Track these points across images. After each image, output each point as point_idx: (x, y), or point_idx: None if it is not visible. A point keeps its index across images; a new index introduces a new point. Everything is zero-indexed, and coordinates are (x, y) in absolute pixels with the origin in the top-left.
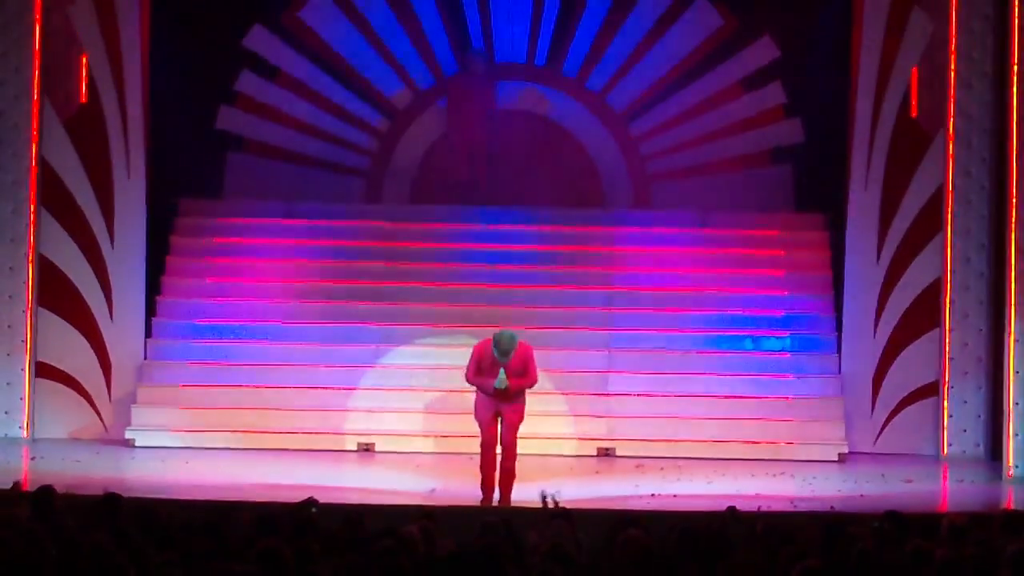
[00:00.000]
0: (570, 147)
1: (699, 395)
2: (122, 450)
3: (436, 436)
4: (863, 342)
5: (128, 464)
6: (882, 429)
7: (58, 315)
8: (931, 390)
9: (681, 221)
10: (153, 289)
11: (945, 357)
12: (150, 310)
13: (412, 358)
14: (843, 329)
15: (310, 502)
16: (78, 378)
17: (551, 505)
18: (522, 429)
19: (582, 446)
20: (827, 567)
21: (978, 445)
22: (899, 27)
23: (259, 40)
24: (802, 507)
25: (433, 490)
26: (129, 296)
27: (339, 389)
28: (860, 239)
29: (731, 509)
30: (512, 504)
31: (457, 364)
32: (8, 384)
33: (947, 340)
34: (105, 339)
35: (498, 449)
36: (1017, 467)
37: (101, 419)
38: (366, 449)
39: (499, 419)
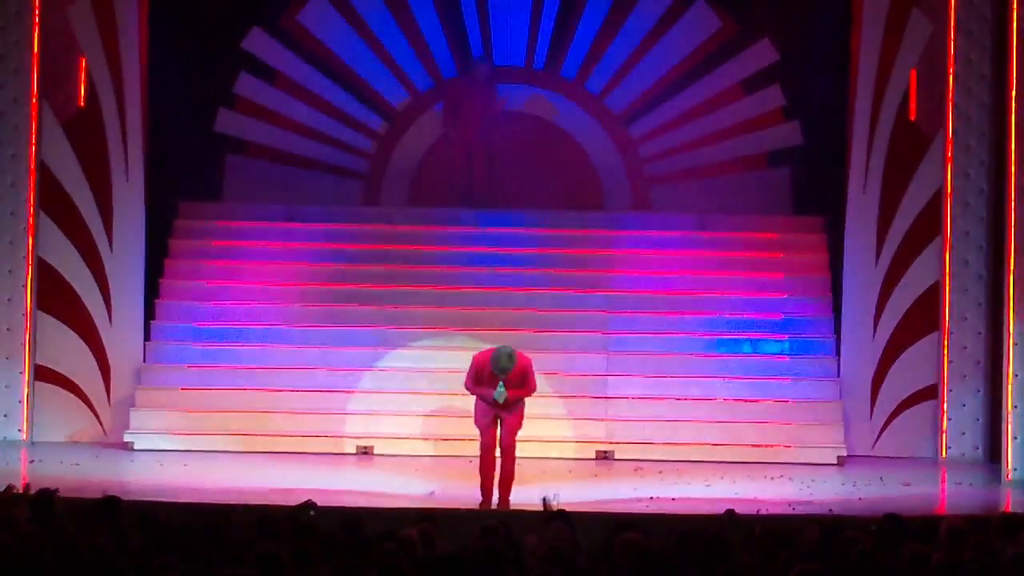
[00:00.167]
0: (569, 149)
1: (698, 398)
2: (121, 453)
3: (435, 439)
4: (862, 345)
5: (127, 467)
6: (881, 432)
7: (57, 318)
8: (930, 393)
9: (680, 224)
10: (152, 292)
11: (944, 360)
12: (149, 313)
13: (411, 361)
14: (842, 332)
15: (309, 505)
16: (77, 381)
17: (554, 507)
18: (521, 432)
19: (581, 449)
20: (825, 570)
21: (977, 448)
22: (898, 29)
23: (258, 43)
24: (801, 510)
25: (432, 493)
26: (128, 299)
27: (338, 392)
28: (859, 242)
29: (730, 512)
30: (511, 507)
31: (456, 367)
32: (7, 387)
33: (946, 343)
34: (104, 342)
35: (497, 452)
36: (1016, 470)
37: (100, 422)
38: (365, 452)
39: (498, 422)
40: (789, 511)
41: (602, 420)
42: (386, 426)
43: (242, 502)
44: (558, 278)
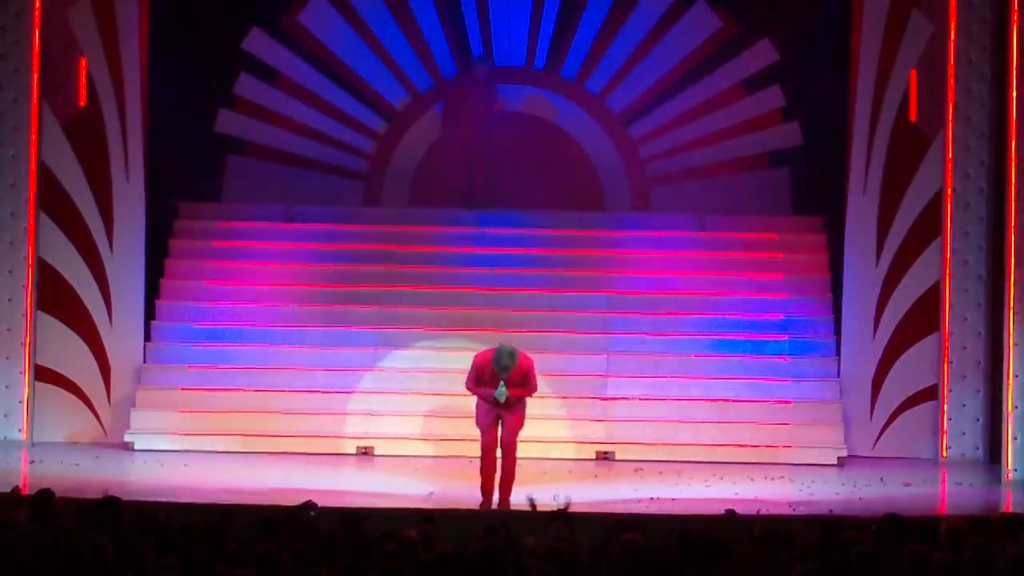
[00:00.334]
0: (569, 150)
1: (698, 399)
2: (121, 453)
3: (435, 439)
4: (862, 345)
5: (127, 467)
6: (881, 432)
7: (57, 318)
8: (930, 393)
9: (680, 224)
10: (152, 292)
11: (944, 360)
12: (149, 313)
13: (411, 361)
14: (842, 332)
15: (309, 505)
16: (77, 381)
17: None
18: (521, 432)
19: (581, 450)
20: (825, 570)
21: (977, 448)
22: (898, 30)
23: (258, 43)
24: (801, 510)
25: (432, 493)
26: (128, 299)
27: (338, 392)
28: (859, 242)
29: (730, 513)
30: (511, 508)
31: (456, 367)
32: (7, 387)
33: (946, 343)
34: (104, 342)
35: (498, 452)
36: (1016, 470)
37: (100, 422)
38: (365, 452)
39: (500, 423)
40: (789, 511)
41: (602, 420)
42: (386, 426)
43: (242, 502)
44: (558, 278)
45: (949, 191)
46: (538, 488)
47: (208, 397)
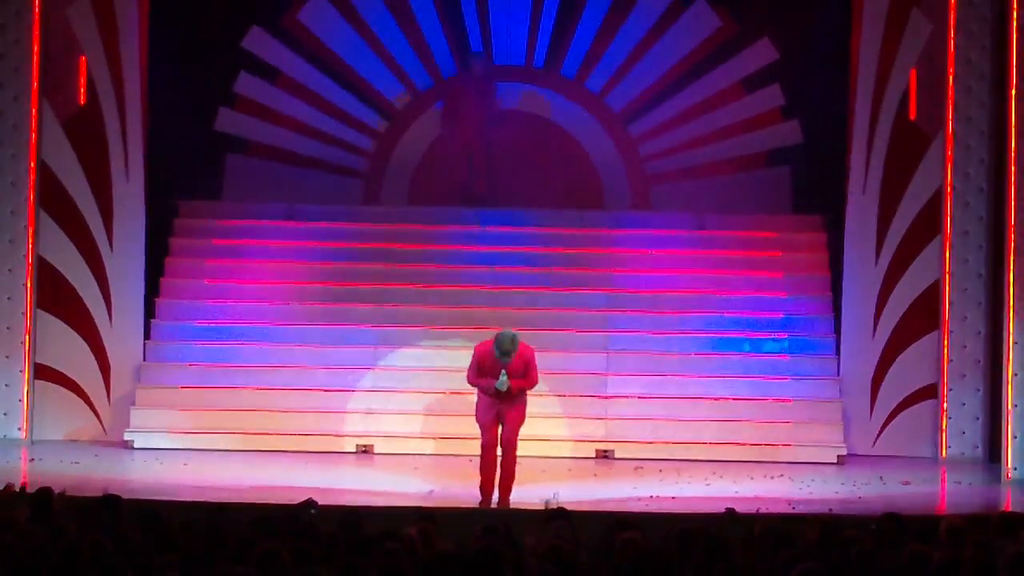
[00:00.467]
0: (569, 149)
1: (697, 397)
2: (121, 452)
3: (435, 438)
4: (862, 344)
5: (127, 466)
6: (881, 431)
7: (57, 317)
8: (930, 392)
9: (679, 223)
10: (152, 291)
11: (944, 359)
12: (149, 312)
13: (411, 360)
14: (842, 331)
15: (309, 504)
16: (77, 380)
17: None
18: (520, 431)
19: (580, 448)
20: (825, 569)
21: (976, 447)
22: (898, 29)
23: (258, 42)
24: (800, 509)
25: (431, 492)
26: (128, 298)
27: (338, 391)
28: (859, 241)
29: (730, 511)
30: (511, 506)
31: (455, 366)
32: (7, 386)
33: (946, 342)
34: (104, 341)
35: (498, 451)
36: (1015, 469)
37: (100, 421)
38: (365, 451)
39: (500, 421)
40: (789, 510)
41: (602, 419)
42: (386, 425)
43: (242, 501)
44: (558, 277)
45: (949, 190)
46: (537, 487)
47: (208, 395)
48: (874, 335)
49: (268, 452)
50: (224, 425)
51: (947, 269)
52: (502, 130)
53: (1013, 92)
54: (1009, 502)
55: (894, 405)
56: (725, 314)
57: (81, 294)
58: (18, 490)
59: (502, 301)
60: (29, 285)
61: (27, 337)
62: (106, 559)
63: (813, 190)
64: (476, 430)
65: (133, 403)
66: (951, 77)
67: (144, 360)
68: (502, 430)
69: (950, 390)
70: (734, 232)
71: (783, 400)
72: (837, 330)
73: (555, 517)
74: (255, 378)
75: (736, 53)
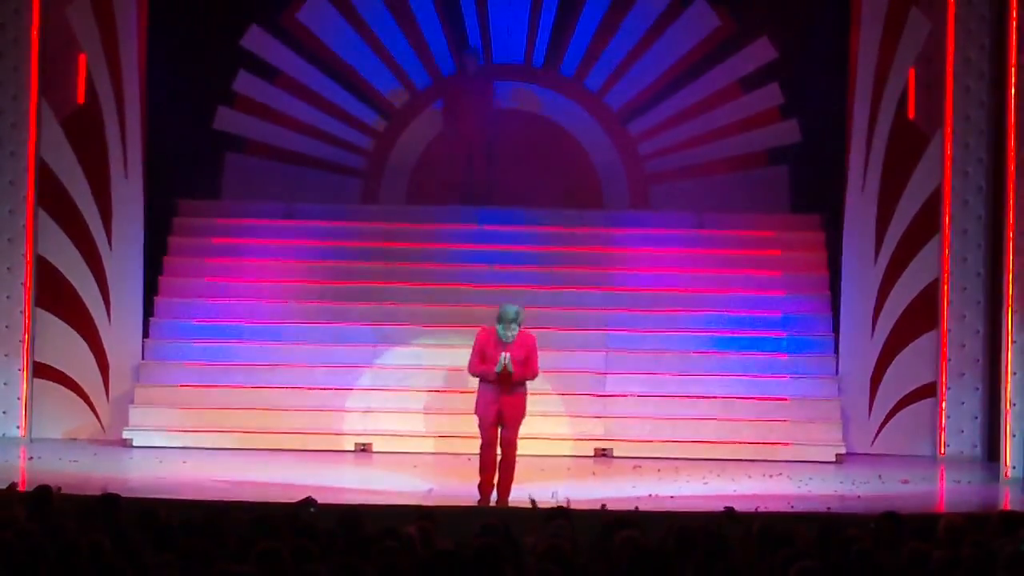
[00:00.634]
0: (568, 147)
1: (696, 396)
2: (119, 450)
3: (434, 436)
4: (860, 343)
5: (126, 464)
6: (879, 430)
7: (56, 315)
8: (928, 391)
9: (678, 222)
10: (151, 289)
11: (943, 358)
12: (148, 310)
13: (410, 358)
14: (840, 330)
15: (308, 502)
16: (76, 378)
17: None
18: (520, 429)
19: (579, 447)
20: (824, 568)
21: (975, 446)
22: (897, 28)
23: (257, 41)
24: (799, 508)
25: (430, 490)
26: (127, 296)
27: (337, 389)
28: (857, 240)
29: (728, 510)
30: (510, 505)
31: (454, 364)
32: (5, 384)
33: (944, 341)
34: (103, 339)
35: (497, 450)
36: (1014, 468)
37: (99, 419)
38: (363, 449)
39: (500, 419)
40: (787, 509)
41: (600, 417)
42: (385, 423)
43: (241, 499)
44: (557, 276)
45: (947, 189)
46: (536, 485)
47: (207, 394)
48: (873, 334)
49: (267, 451)
50: (223, 424)
51: (946, 268)
52: (501, 129)
53: (1012, 91)
54: (1008, 501)
55: (893, 404)
56: (724, 313)
57: (80, 293)
58: (17, 489)
59: (501, 299)
60: (28, 284)
61: (26, 336)
62: (105, 558)
63: (812, 189)
64: (475, 429)
65: (132, 401)
66: (950, 76)
67: (143, 359)
68: (502, 429)
69: (949, 389)
70: (733, 231)
71: (782, 399)
72: (836, 329)
73: (555, 516)
74: (254, 377)
75: (735, 52)
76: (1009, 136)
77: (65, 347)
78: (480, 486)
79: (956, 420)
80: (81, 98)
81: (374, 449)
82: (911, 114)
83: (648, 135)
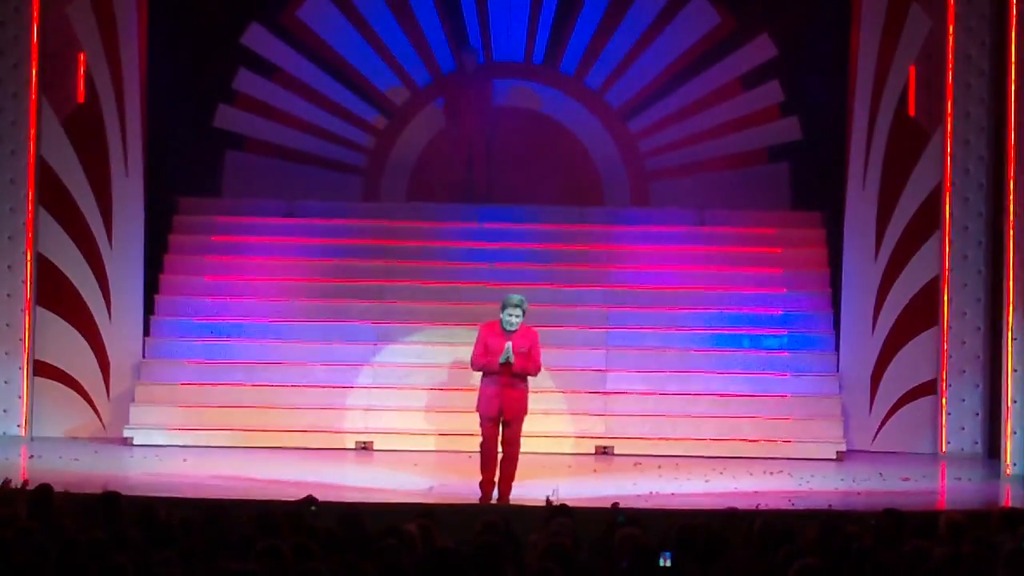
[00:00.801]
0: (568, 145)
1: (697, 393)
2: (120, 448)
3: (434, 434)
4: (861, 340)
5: (126, 462)
6: (880, 427)
7: (56, 314)
8: (929, 388)
9: (679, 219)
10: (151, 287)
11: (943, 355)
12: (148, 308)
13: (410, 356)
14: (841, 327)
15: (309, 500)
16: (76, 376)
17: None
18: (523, 427)
19: (580, 444)
20: (825, 565)
21: (976, 443)
22: (897, 25)
23: (257, 38)
24: (800, 505)
25: (431, 488)
26: (127, 294)
27: (337, 387)
28: (858, 237)
29: (731, 510)
30: (511, 503)
31: (455, 362)
32: (6, 382)
33: (945, 338)
34: (103, 337)
35: (499, 448)
36: (1015, 465)
37: (99, 417)
38: (364, 447)
39: (501, 415)
40: (788, 506)
41: (601, 415)
42: (385, 421)
43: (242, 497)
44: (557, 273)
45: (948, 186)
46: (536, 483)
47: (207, 392)
48: (873, 331)
49: (268, 449)
50: (223, 421)
51: (946, 265)
52: (501, 126)
53: (1012, 88)
54: (1008, 498)
55: (894, 401)
56: (724, 310)
57: (80, 291)
58: (18, 487)
59: (502, 298)
60: (28, 282)
61: (26, 334)
62: (105, 556)
63: (812, 186)
64: (476, 426)
65: (132, 400)
66: (950, 73)
67: (143, 357)
68: (504, 427)
69: (949, 386)
70: (733, 228)
71: (782, 396)
72: (836, 326)
73: (557, 513)
74: (254, 375)
75: (735, 49)
76: (1009, 133)
77: (66, 345)
78: (481, 484)
79: (957, 417)
80: (81, 96)
81: (375, 447)
82: (911, 111)
83: (648, 132)
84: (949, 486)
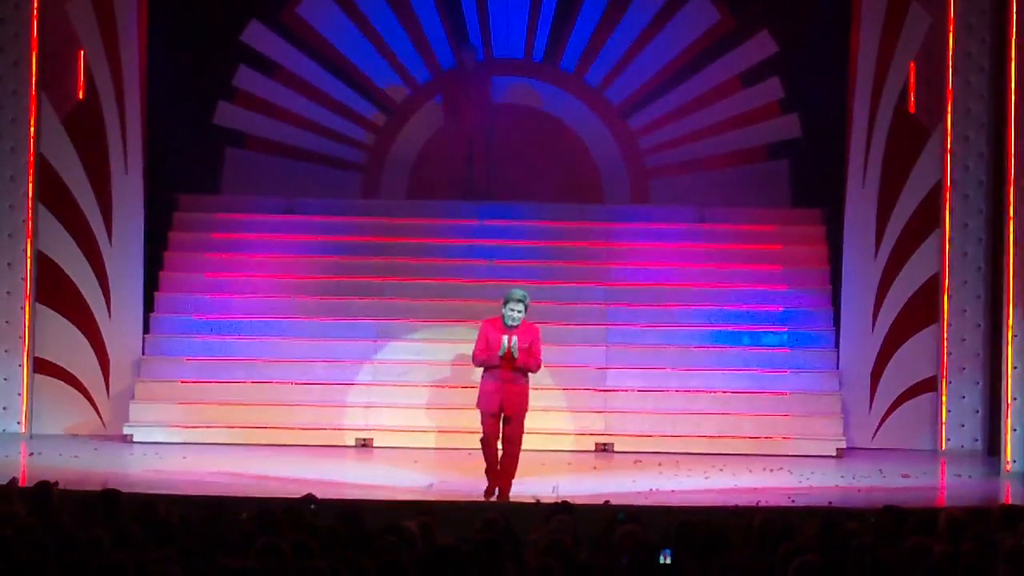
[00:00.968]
0: (568, 142)
1: (697, 390)
2: (120, 446)
3: (434, 431)
4: (861, 337)
5: (126, 460)
6: (880, 424)
7: (56, 311)
8: (929, 385)
9: (679, 216)
10: (151, 285)
11: (943, 352)
12: (148, 306)
13: (410, 353)
14: (841, 324)
15: (309, 498)
16: (76, 374)
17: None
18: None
19: (580, 441)
20: (825, 562)
21: (976, 440)
22: (897, 22)
23: (257, 36)
24: (800, 502)
25: (431, 485)
26: (127, 292)
27: (337, 384)
28: (858, 234)
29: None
30: (511, 500)
31: (455, 359)
32: (6, 380)
33: (945, 335)
34: (103, 335)
35: (499, 445)
36: (1015, 462)
37: (99, 415)
38: (364, 444)
39: (502, 412)
40: (788, 503)
41: (601, 412)
42: (385, 418)
43: (242, 495)
44: (557, 270)
45: (948, 183)
46: (536, 480)
47: (207, 389)
48: (873, 328)
49: (267, 446)
50: (223, 419)
51: (946, 262)
52: (501, 124)
53: (1012, 85)
54: (1008, 495)
55: (893, 398)
56: (724, 307)
57: (80, 288)
58: (17, 485)
59: (501, 294)
60: (28, 279)
61: (26, 331)
62: (105, 553)
63: (812, 184)
64: (476, 424)
65: (132, 397)
66: (950, 70)
67: (143, 354)
68: (505, 424)
69: (949, 383)
70: (733, 226)
71: (782, 393)
72: (836, 323)
73: (558, 511)
74: (254, 372)
75: (735, 47)
76: (1009, 130)
77: (65, 343)
78: (487, 472)
79: (957, 414)
80: (81, 94)
81: (375, 444)
82: (911, 108)
83: (649, 130)
84: (949, 483)
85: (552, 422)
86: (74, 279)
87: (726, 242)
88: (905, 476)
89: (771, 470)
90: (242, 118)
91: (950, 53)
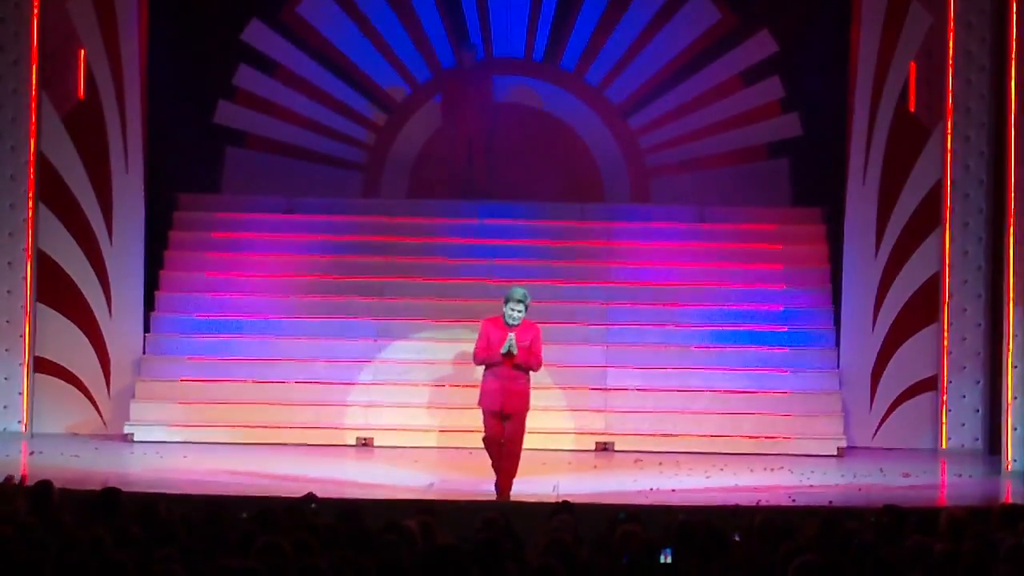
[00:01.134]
0: (569, 141)
1: (697, 390)
2: (121, 445)
3: (435, 431)
4: (861, 336)
5: (127, 459)
6: (880, 423)
7: (56, 310)
8: (930, 384)
9: (679, 216)
10: (151, 284)
11: (944, 351)
12: (148, 305)
13: (410, 352)
14: (841, 323)
15: (309, 497)
16: (77, 373)
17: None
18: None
19: (580, 441)
20: (825, 562)
21: (976, 439)
22: (897, 21)
23: (257, 35)
24: (800, 501)
25: (431, 484)
26: (127, 291)
27: (338, 384)
28: (858, 233)
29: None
30: (512, 499)
31: (455, 358)
32: (7, 379)
33: (945, 334)
34: (104, 334)
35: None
36: (1015, 461)
37: (100, 414)
38: (365, 443)
39: (503, 411)
40: (789, 503)
41: (601, 411)
42: (386, 417)
43: (242, 494)
44: (557, 269)
45: (948, 182)
46: (537, 479)
47: (208, 388)
48: (874, 327)
49: (268, 445)
50: (224, 418)
51: (947, 261)
52: (501, 123)
53: (1013, 84)
54: (1009, 494)
55: (894, 397)
56: (725, 307)
57: (81, 287)
58: (18, 483)
59: (501, 294)
60: (29, 278)
61: (27, 330)
62: (106, 552)
63: (813, 182)
64: (476, 423)
65: (133, 396)
66: (951, 69)
67: (144, 353)
68: (506, 423)
69: (950, 382)
70: (734, 225)
71: (783, 392)
72: (837, 322)
73: (560, 510)
74: (255, 371)
75: (735, 46)
76: (1010, 129)
77: (66, 342)
78: (494, 466)
79: (957, 413)
80: (81, 93)
81: (375, 443)
82: (912, 107)
83: (649, 129)
84: (949, 482)
85: (552, 421)
86: (74, 278)
87: (726, 241)
88: (906, 475)
89: (771, 469)
90: (242, 117)
91: (950, 52)
